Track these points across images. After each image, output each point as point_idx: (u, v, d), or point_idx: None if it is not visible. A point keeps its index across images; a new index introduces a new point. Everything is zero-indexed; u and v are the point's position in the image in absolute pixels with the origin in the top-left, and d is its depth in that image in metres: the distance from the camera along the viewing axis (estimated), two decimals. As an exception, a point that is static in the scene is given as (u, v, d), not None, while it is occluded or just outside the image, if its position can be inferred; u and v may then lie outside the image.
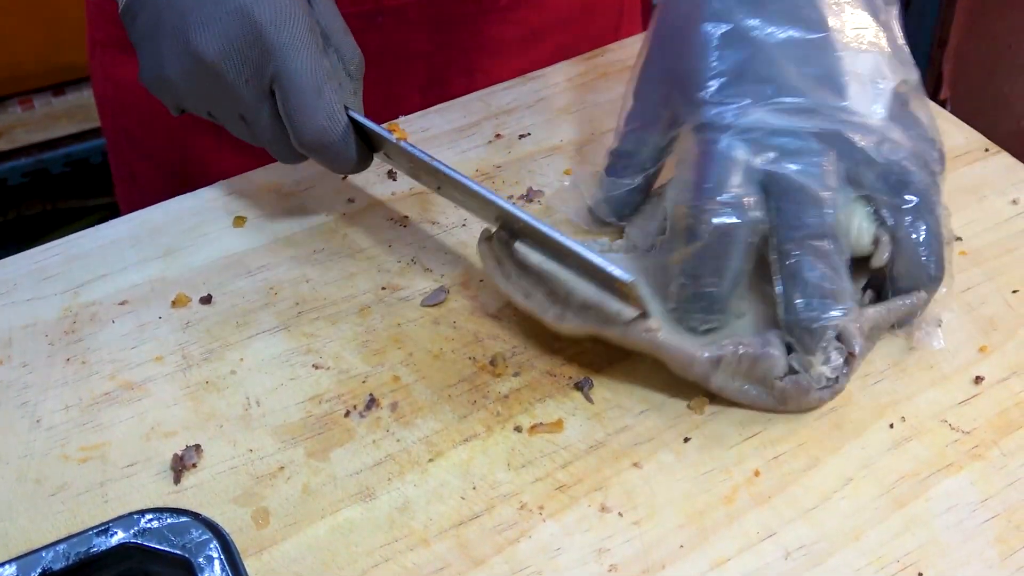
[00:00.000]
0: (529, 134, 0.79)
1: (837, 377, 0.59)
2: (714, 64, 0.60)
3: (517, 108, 0.81)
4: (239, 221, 0.72)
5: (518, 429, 0.60)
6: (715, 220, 0.57)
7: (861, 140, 0.59)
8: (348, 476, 0.58)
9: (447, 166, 0.63)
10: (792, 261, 0.57)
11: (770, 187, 0.58)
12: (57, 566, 0.45)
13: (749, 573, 0.54)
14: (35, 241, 0.72)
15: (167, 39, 0.63)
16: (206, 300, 0.67)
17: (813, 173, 0.58)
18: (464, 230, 0.71)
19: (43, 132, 1.91)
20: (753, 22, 0.60)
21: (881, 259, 0.60)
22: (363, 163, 0.66)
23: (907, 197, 0.59)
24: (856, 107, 0.59)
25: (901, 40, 0.64)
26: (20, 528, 0.56)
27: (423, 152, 0.63)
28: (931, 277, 0.60)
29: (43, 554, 0.46)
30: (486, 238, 0.64)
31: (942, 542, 0.55)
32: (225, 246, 0.71)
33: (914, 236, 0.60)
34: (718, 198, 0.57)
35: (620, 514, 0.56)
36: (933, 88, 1.40)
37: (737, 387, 0.59)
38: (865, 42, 0.61)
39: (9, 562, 0.46)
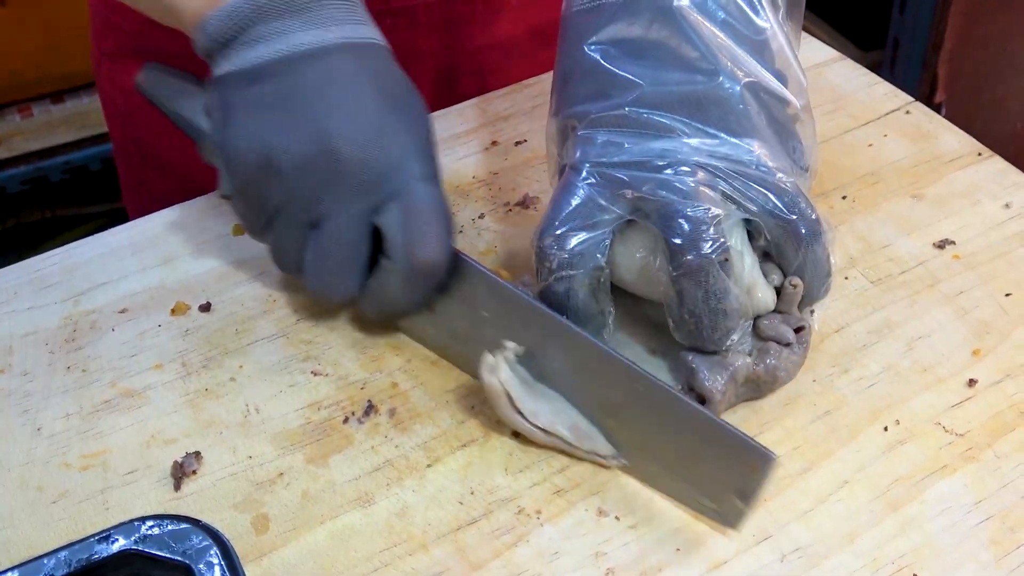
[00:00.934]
0: (525, 140, 0.79)
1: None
2: (586, 107, 0.60)
3: (514, 115, 0.82)
4: (238, 229, 0.73)
5: (515, 434, 0.60)
6: (552, 278, 0.59)
7: (739, 166, 0.58)
8: (347, 482, 0.58)
9: (550, 310, 0.59)
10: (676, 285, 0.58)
11: (646, 212, 0.58)
12: (59, 573, 0.46)
13: (746, 575, 0.54)
14: (34, 249, 0.72)
15: (297, 119, 0.59)
16: (205, 308, 0.68)
17: (684, 192, 0.57)
18: (461, 237, 0.72)
19: (42, 140, 1.92)
20: (629, 63, 0.60)
21: (794, 302, 0.61)
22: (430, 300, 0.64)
23: (800, 239, 0.59)
24: (734, 138, 0.59)
25: (789, 54, 0.62)
26: (22, 535, 0.56)
27: (526, 292, 0.60)
28: (816, 299, 0.62)
29: (45, 561, 0.46)
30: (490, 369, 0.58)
31: (937, 544, 0.55)
32: (224, 254, 0.71)
33: (807, 271, 0.60)
34: (553, 246, 0.59)
35: (617, 518, 0.57)
36: (928, 91, 1.40)
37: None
38: (744, 72, 0.59)
39: (11, 569, 0.46)
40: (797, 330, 0.61)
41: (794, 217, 0.58)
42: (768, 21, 0.61)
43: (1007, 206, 0.73)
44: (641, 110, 0.59)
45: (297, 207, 0.60)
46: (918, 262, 0.69)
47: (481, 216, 0.73)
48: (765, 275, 0.60)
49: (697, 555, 0.55)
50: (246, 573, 0.54)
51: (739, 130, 0.59)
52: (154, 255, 0.71)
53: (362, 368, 0.64)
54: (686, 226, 0.56)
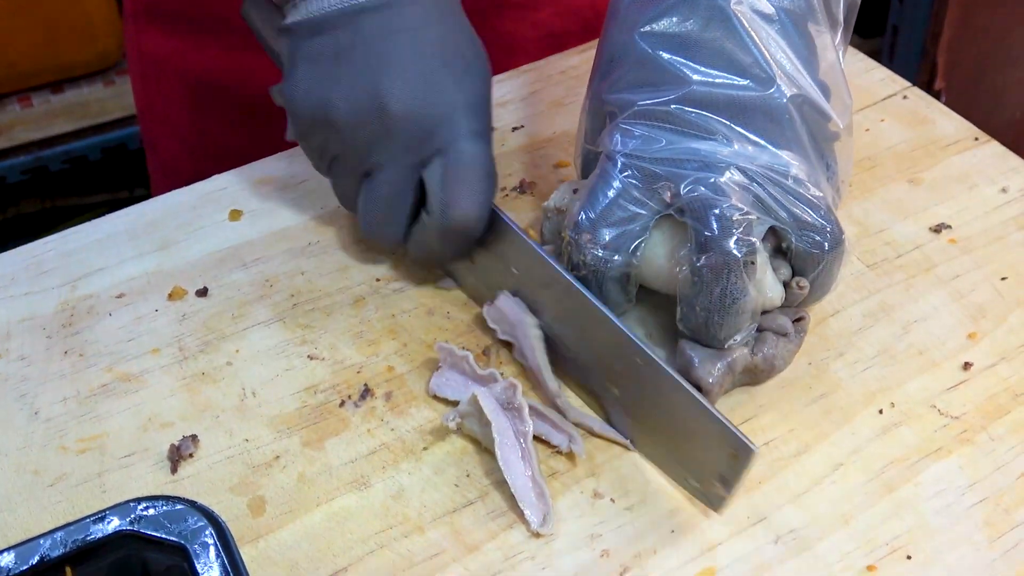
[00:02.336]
0: (522, 126, 0.79)
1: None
2: (630, 96, 0.61)
3: (510, 101, 0.82)
4: (235, 214, 0.73)
5: (511, 417, 0.60)
6: (586, 270, 0.60)
7: (776, 176, 0.59)
8: (343, 465, 0.59)
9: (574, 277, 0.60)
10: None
11: (681, 207, 0.58)
12: (54, 553, 0.46)
13: (739, 557, 0.54)
14: (34, 239, 0.72)
15: (353, 73, 0.61)
16: (202, 293, 0.68)
17: (720, 191, 0.57)
18: (458, 222, 0.72)
19: (42, 130, 1.92)
20: (680, 58, 0.60)
21: (797, 301, 0.61)
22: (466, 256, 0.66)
23: (823, 252, 0.59)
24: (774, 148, 0.59)
25: (839, 72, 0.62)
26: (19, 518, 0.56)
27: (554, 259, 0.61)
28: (815, 300, 0.62)
29: (41, 542, 0.46)
30: None
31: (930, 526, 0.56)
32: (221, 239, 0.71)
33: (817, 281, 0.60)
34: (588, 239, 0.59)
35: (612, 500, 0.57)
36: (927, 79, 1.40)
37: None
38: (792, 84, 0.59)
39: (7, 550, 0.46)
40: (796, 320, 0.61)
41: (821, 235, 0.59)
42: (824, 32, 0.61)
43: (1004, 190, 0.73)
44: (687, 108, 0.59)
45: (351, 157, 0.63)
46: (914, 246, 0.69)
47: (478, 201, 0.73)
48: (775, 270, 0.60)
49: (691, 537, 0.55)
50: (242, 555, 0.54)
51: (780, 141, 0.59)
52: (151, 240, 0.71)
53: (358, 352, 0.64)
54: (719, 222, 0.57)
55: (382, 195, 0.63)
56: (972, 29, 1.39)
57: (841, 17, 0.63)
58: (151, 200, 0.75)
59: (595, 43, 0.85)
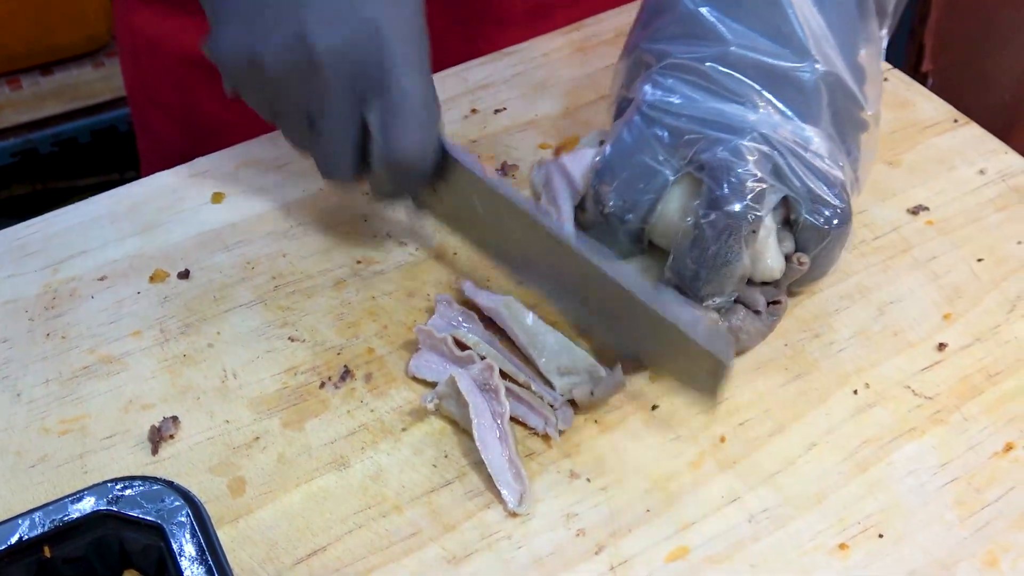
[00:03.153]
0: (505, 108, 0.79)
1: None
2: (667, 47, 0.62)
3: (493, 83, 0.82)
4: (217, 197, 0.73)
5: (490, 398, 0.61)
6: (606, 220, 0.61)
7: (797, 147, 0.59)
8: (323, 446, 0.59)
9: (530, 205, 0.61)
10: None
11: (700, 164, 0.59)
12: (33, 533, 0.46)
13: (713, 536, 0.55)
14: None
15: (274, 21, 0.59)
16: (184, 275, 0.68)
17: (739, 154, 0.58)
18: (439, 204, 0.72)
19: (31, 112, 1.91)
20: (722, 17, 0.61)
21: (793, 278, 0.62)
22: (420, 191, 0.66)
23: (830, 226, 0.60)
24: (800, 120, 0.60)
25: (878, 75, 0.64)
26: (1, 499, 0.57)
27: (511, 190, 0.62)
28: (809, 282, 0.64)
29: (19, 522, 0.47)
30: None
31: (903, 505, 0.56)
32: (203, 222, 0.71)
33: (817, 257, 0.61)
34: (607, 190, 0.61)
35: (588, 480, 0.57)
36: (915, 62, 1.40)
37: None
38: (827, 63, 0.61)
39: (-14, 530, 0.47)
40: (773, 302, 0.61)
41: (831, 211, 0.60)
42: (871, 20, 0.63)
43: (982, 172, 0.73)
44: (720, 68, 0.60)
45: (290, 106, 0.63)
46: (892, 228, 0.70)
47: (459, 184, 0.74)
48: (779, 242, 0.61)
49: (666, 516, 0.56)
50: (223, 535, 0.55)
51: (806, 115, 0.60)
52: (133, 223, 0.71)
53: (339, 334, 0.64)
54: (731, 185, 0.58)
55: (328, 139, 0.63)
56: (960, 11, 1.39)
57: (890, 9, 0.64)
58: (134, 183, 0.75)
59: (581, 22, 0.86)
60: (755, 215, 0.58)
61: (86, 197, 0.74)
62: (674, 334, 0.56)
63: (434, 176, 0.63)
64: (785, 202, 0.60)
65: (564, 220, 0.64)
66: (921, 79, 1.40)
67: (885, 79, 0.80)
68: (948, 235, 0.69)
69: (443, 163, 0.63)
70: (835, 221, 0.60)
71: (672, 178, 0.60)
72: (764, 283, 0.62)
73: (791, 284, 0.63)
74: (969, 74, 1.40)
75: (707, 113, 0.60)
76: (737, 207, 0.58)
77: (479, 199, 0.63)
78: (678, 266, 0.60)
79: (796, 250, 0.61)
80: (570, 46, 0.85)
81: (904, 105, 0.78)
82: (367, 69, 0.60)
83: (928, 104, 0.78)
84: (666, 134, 0.60)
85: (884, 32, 0.65)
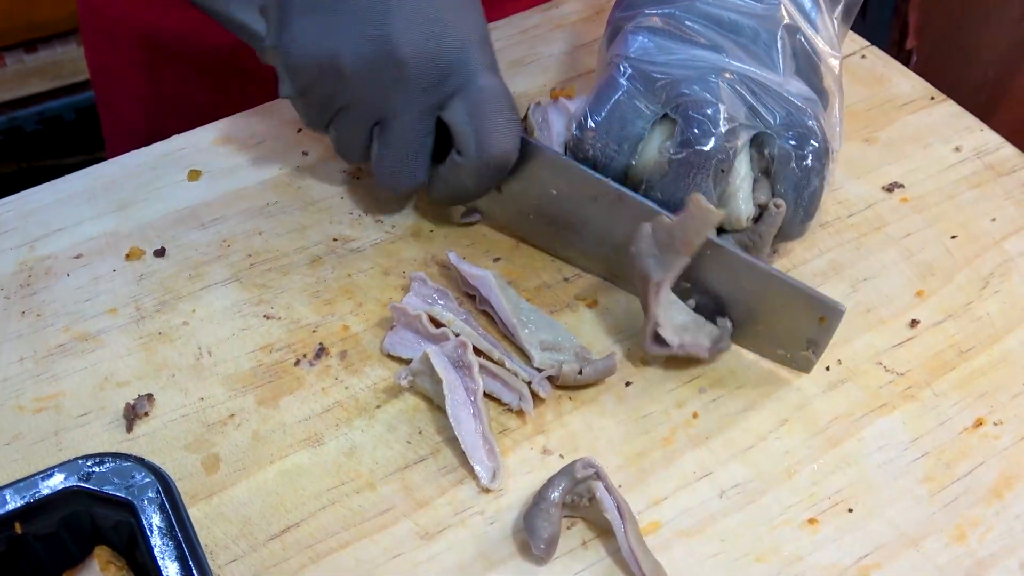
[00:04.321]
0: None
1: None
2: (640, 9, 0.63)
3: (471, 60, 0.81)
4: (194, 175, 0.73)
5: (464, 375, 0.61)
6: (590, 153, 0.62)
7: (772, 85, 0.61)
8: (297, 423, 0.59)
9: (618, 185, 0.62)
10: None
11: (675, 105, 0.61)
12: (3, 510, 0.46)
13: (684, 510, 0.55)
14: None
15: (355, 20, 0.60)
16: (160, 253, 0.68)
17: (713, 93, 0.60)
18: (416, 182, 0.72)
19: (15, 90, 1.90)
20: None
21: (775, 225, 0.62)
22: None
23: (805, 151, 0.61)
24: (770, 68, 0.62)
25: (833, 36, 0.66)
26: (-25, 476, 0.57)
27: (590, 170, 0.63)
28: (800, 232, 0.63)
29: (-10, 498, 0.47)
30: None
31: (872, 480, 0.57)
32: (179, 199, 0.71)
33: (795, 195, 0.61)
34: (591, 135, 0.62)
35: (561, 456, 0.58)
36: (899, 38, 1.40)
37: None
38: (792, 20, 0.63)
39: (-42, 507, 0.47)
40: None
41: (805, 137, 0.60)
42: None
43: (957, 149, 0.73)
44: (690, 16, 0.62)
45: (363, 107, 0.63)
46: (867, 205, 0.70)
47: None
48: (755, 191, 0.62)
49: (637, 491, 0.56)
50: (197, 511, 0.55)
51: (771, 64, 0.62)
52: (109, 201, 0.71)
53: (314, 312, 0.65)
54: (701, 125, 0.59)
55: (401, 142, 0.63)
56: (944, -13, 1.39)
57: None
58: (110, 161, 0.75)
59: (551, 3, 0.86)
60: (723, 155, 0.59)
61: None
62: (783, 286, 0.58)
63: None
64: (762, 153, 0.61)
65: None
66: (906, 56, 1.40)
67: (863, 56, 0.81)
68: (922, 212, 0.69)
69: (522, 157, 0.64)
70: (811, 145, 0.60)
71: (651, 119, 0.61)
72: (757, 234, 0.62)
73: (780, 237, 0.63)
74: (953, 50, 1.40)
75: (681, 59, 0.61)
76: (707, 146, 0.59)
77: (561, 185, 0.64)
78: (650, 194, 0.61)
79: (775, 196, 0.62)
80: (548, 23, 0.84)
81: (881, 82, 0.78)
82: (450, 71, 0.61)
83: (905, 81, 0.78)
84: (642, 81, 0.61)
85: (838, 13, 0.66)
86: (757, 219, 0.62)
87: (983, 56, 1.39)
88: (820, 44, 0.64)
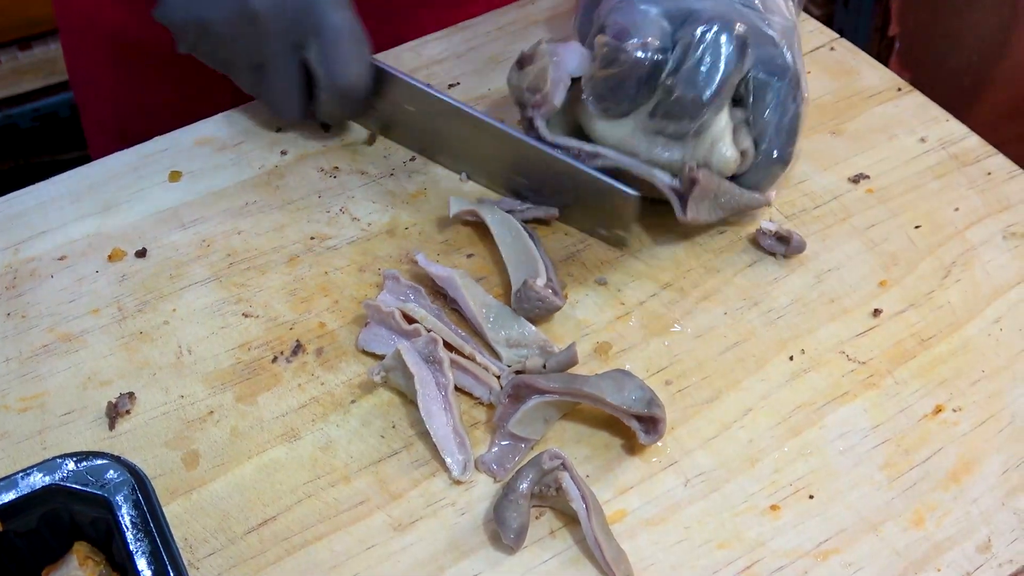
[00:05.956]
0: (458, 83, 0.81)
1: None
2: None
3: (447, 58, 0.83)
4: (175, 175, 0.74)
5: (436, 370, 0.62)
6: (631, 55, 0.63)
7: (757, 22, 0.65)
8: (274, 419, 0.61)
9: (469, 106, 0.71)
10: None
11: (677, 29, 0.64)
12: (-16, 509, 0.48)
13: (649, 500, 0.57)
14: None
15: None
16: (141, 254, 0.70)
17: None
18: (392, 180, 0.74)
19: (10, 87, 1.91)
20: None
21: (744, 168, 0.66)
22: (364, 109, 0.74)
23: (779, 79, 0.65)
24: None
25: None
26: (-38, 475, 0.59)
27: (444, 94, 0.72)
28: (783, 163, 0.66)
29: (-28, 498, 0.48)
30: None
31: (833, 467, 0.58)
32: (160, 200, 0.73)
33: (776, 120, 0.65)
34: (630, 41, 0.64)
35: (531, 449, 0.59)
36: (881, 24, 1.41)
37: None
38: None
39: (-59, 506, 0.48)
40: None
41: (781, 68, 0.64)
42: None
43: (923, 140, 0.75)
44: None
45: (238, 58, 0.72)
46: (832, 196, 0.71)
47: (412, 159, 0.75)
48: (738, 140, 0.65)
49: (604, 481, 0.58)
50: (176, 507, 0.57)
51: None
52: (93, 203, 0.73)
53: (291, 309, 0.66)
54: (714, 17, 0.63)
55: (274, 82, 0.72)
56: (927, -27, 1.40)
57: None
58: (93, 163, 0.76)
59: (528, -1, 0.88)
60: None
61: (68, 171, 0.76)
62: (588, 179, 0.66)
63: (372, 94, 0.73)
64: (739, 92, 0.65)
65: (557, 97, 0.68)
66: (888, 42, 1.41)
67: (832, 48, 0.82)
68: (887, 203, 0.71)
69: (378, 82, 0.72)
70: (782, 73, 0.64)
71: (669, 28, 0.64)
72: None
73: (771, 166, 0.66)
74: (936, 36, 1.40)
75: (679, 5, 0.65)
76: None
77: (413, 103, 0.73)
78: (675, 72, 0.63)
79: (755, 127, 0.65)
80: (524, 20, 0.86)
81: (849, 74, 0.80)
82: (300, 16, 0.69)
83: (873, 73, 0.79)
84: (653, 5, 0.65)
85: None
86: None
87: (966, 41, 1.39)
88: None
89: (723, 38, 0.62)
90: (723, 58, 0.62)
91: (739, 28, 0.63)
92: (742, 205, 0.66)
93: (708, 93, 0.62)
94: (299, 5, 0.69)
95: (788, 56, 0.65)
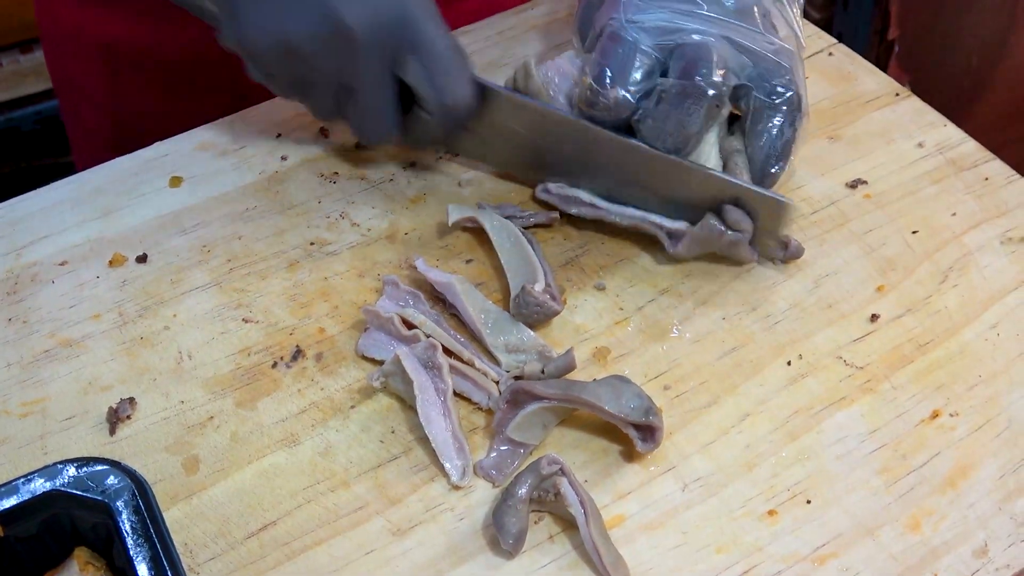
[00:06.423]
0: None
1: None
2: None
3: (447, 63, 0.83)
4: (175, 181, 0.75)
5: (436, 375, 0.63)
6: (608, 102, 0.65)
7: (752, 44, 0.65)
8: (274, 424, 0.61)
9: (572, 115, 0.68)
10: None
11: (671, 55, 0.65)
12: (-14, 514, 0.49)
13: (648, 504, 0.57)
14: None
15: (299, 2, 0.64)
16: (142, 259, 0.70)
17: (709, 42, 0.65)
18: (391, 185, 0.74)
19: (12, 90, 1.92)
20: None
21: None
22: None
23: (779, 101, 0.65)
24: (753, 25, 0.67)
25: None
26: (-37, 480, 0.59)
27: (548, 105, 0.69)
28: (773, 181, 0.67)
29: (-27, 503, 0.49)
30: None
31: (830, 472, 0.58)
32: (161, 205, 0.73)
33: (770, 144, 0.66)
34: (608, 89, 0.65)
35: (530, 454, 0.59)
36: (881, 27, 1.41)
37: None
38: None
39: (-57, 512, 0.49)
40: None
41: (780, 88, 0.65)
42: None
43: (920, 145, 0.75)
44: None
45: (324, 79, 0.67)
46: (830, 201, 0.72)
47: (412, 164, 0.75)
48: (730, 147, 0.67)
49: (603, 486, 0.58)
50: (176, 512, 0.57)
51: (749, 18, 0.67)
52: (94, 208, 0.73)
53: (291, 315, 0.66)
54: (702, 61, 0.63)
55: (366, 104, 0.68)
56: (926, -24, 1.40)
57: None
58: (94, 168, 0.76)
59: (527, 4, 0.88)
60: (718, 92, 0.63)
61: (70, 175, 0.76)
62: (734, 188, 0.65)
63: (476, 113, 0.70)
64: (736, 105, 0.66)
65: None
66: (888, 46, 1.41)
67: (830, 54, 0.82)
68: (884, 208, 0.71)
69: (483, 99, 0.69)
70: (784, 97, 0.65)
71: (658, 62, 0.65)
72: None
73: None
74: (935, 38, 1.41)
75: (672, 13, 0.66)
76: (704, 80, 0.63)
77: (521, 121, 0.70)
78: (643, 121, 0.65)
79: (748, 147, 0.66)
80: (523, 25, 0.86)
81: (847, 79, 0.80)
82: (397, 32, 0.65)
83: (871, 78, 0.80)
84: (645, 33, 0.65)
85: None
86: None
87: (965, 43, 1.40)
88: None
89: (691, 95, 0.63)
90: (690, 118, 0.64)
91: (716, 75, 0.63)
92: (730, 253, 0.67)
93: (673, 146, 0.65)
94: (396, 21, 0.64)
95: (787, 78, 0.65)
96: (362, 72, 0.66)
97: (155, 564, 0.47)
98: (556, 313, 0.64)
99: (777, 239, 0.66)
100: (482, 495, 0.58)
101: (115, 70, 0.88)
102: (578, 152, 0.69)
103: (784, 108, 0.65)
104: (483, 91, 0.69)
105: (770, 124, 0.65)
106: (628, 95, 0.64)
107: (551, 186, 0.70)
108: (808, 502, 0.57)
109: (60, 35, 0.92)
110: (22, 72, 1.93)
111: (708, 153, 0.66)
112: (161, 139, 0.77)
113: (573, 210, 0.69)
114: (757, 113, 0.66)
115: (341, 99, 0.68)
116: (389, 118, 0.69)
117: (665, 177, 0.66)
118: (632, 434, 0.58)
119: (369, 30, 0.63)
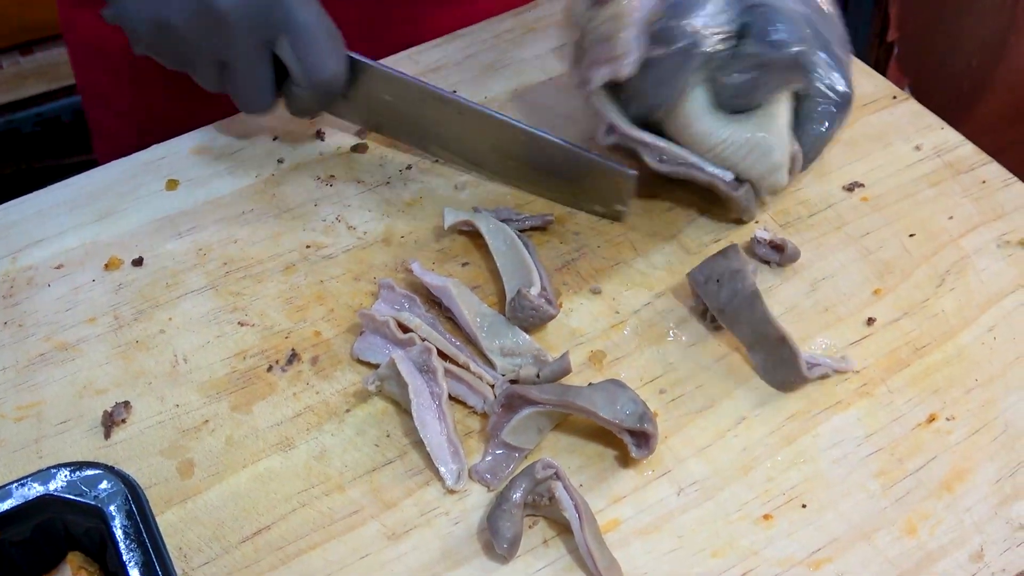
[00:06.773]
0: (455, 91, 0.81)
1: None
2: None
3: (445, 65, 0.83)
4: (171, 184, 0.75)
5: (431, 379, 0.63)
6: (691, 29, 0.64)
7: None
8: (269, 428, 0.61)
9: (446, 91, 0.72)
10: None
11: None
12: (-21, 519, 0.48)
13: (643, 508, 0.57)
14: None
15: None
16: (138, 262, 0.70)
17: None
18: (388, 188, 0.74)
19: (12, 92, 1.92)
20: None
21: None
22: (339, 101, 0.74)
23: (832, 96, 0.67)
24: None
25: None
26: (-42, 484, 0.59)
27: (423, 81, 0.73)
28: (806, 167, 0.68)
29: (-34, 507, 0.49)
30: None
31: (826, 475, 0.58)
32: (157, 209, 0.73)
33: (818, 138, 0.67)
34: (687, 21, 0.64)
35: (525, 456, 0.59)
36: (880, 29, 1.41)
37: None
38: None
39: (-64, 516, 0.49)
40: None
41: (837, 95, 0.66)
42: None
43: (917, 148, 0.75)
44: None
45: (202, 56, 0.70)
46: (827, 204, 0.71)
47: (408, 167, 0.75)
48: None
49: (598, 490, 0.58)
50: (171, 516, 0.57)
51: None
52: (90, 211, 0.73)
53: (287, 318, 0.66)
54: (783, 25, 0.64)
55: (243, 79, 0.70)
56: (926, -22, 1.40)
57: None
58: (90, 172, 0.76)
59: (525, 7, 0.88)
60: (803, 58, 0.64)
61: (70, 177, 0.76)
62: (583, 159, 0.69)
63: (349, 87, 0.72)
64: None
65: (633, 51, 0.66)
66: (888, 48, 1.41)
67: (827, 56, 0.82)
68: (882, 211, 0.71)
69: (354, 73, 0.72)
70: (835, 108, 0.66)
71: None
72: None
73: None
74: (935, 40, 1.41)
75: None
76: (787, 44, 0.64)
77: (391, 92, 0.73)
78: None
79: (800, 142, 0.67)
80: (520, 27, 0.86)
81: (845, 82, 0.80)
82: (268, 12, 0.67)
83: (868, 81, 0.80)
84: None
85: None
86: None
87: (965, 45, 1.39)
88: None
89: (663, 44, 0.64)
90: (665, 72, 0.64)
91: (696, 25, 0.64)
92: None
93: (656, 102, 0.65)
94: (266, 2, 0.67)
95: (847, 73, 0.66)
96: (236, 51, 0.69)
97: (148, 569, 0.46)
98: (552, 317, 0.64)
99: (626, 205, 0.70)
100: (477, 499, 0.58)
101: (140, 78, 0.88)
102: (450, 124, 0.73)
103: (837, 110, 0.66)
104: (354, 65, 0.72)
105: (823, 122, 0.67)
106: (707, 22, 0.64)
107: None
108: (804, 506, 0.57)
109: (83, 45, 0.93)
110: (22, 74, 1.93)
111: (776, 114, 0.66)
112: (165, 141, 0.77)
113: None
114: (811, 106, 0.67)
115: (222, 73, 0.71)
116: (265, 91, 0.71)
117: (526, 147, 0.71)
118: (627, 440, 0.58)
119: (240, 11, 0.66)
